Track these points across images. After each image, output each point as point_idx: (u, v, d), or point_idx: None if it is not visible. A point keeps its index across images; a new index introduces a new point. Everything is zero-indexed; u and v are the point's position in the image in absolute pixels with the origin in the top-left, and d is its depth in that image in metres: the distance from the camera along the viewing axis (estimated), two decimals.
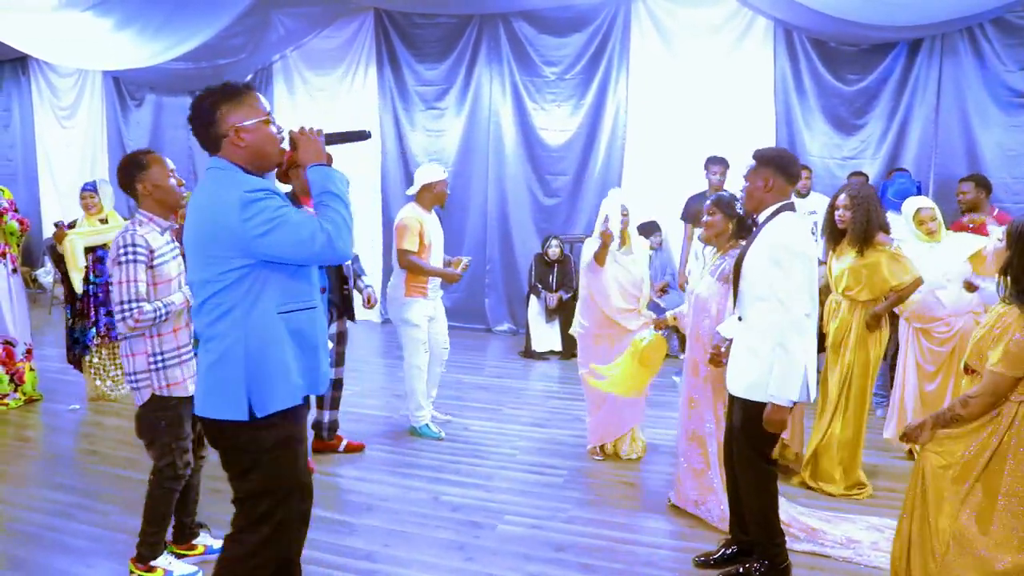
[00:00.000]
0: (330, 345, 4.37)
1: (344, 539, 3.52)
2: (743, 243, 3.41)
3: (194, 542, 3.36)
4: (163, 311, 2.93)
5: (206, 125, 2.22)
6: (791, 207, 3.00)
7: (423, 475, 4.30)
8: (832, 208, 4.11)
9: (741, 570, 3.14)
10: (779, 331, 2.82)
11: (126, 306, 2.85)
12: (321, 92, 8.84)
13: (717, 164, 6.38)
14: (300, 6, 8.13)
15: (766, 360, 2.87)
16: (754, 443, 3.01)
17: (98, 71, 9.73)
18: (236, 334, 2.18)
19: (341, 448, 4.64)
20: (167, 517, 3.14)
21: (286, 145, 2.35)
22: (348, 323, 4.54)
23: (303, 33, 8.57)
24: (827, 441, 4.07)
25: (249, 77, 9.09)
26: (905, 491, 2.67)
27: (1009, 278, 2.48)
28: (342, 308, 4.43)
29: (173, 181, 3.06)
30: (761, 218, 3.01)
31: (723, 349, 3.22)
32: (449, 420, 5.25)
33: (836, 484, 4.03)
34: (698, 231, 4.27)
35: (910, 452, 4.52)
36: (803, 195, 6.19)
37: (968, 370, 2.64)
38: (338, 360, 4.51)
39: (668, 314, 4.15)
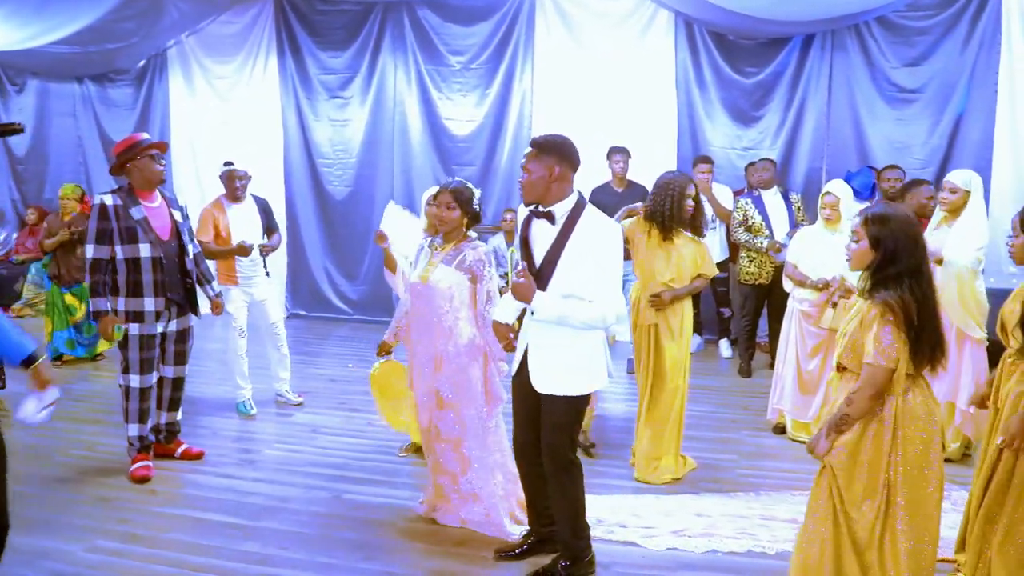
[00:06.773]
0: (173, 347, 4.22)
1: (239, 544, 3.39)
2: (472, 235, 3.45)
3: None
4: None
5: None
6: (584, 201, 2.93)
7: (326, 474, 4.19)
8: (681, 195, 4.00)
9: (545, 571, 3.11)
10: (590, 323, 2.85)
11: None
12: (221, 80, 8.48)
13: (619, 154, 6.45)
14: None
15: (576, 352, 2.92)
16: (570, 437, 3.01)
17: None
18: None
19: (178, 454, 4.34)
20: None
21: None
22: (192, 320, 4.30)
23: (199, 17, 8.17)
24: (651, 431, 4.14)
25: (142, 63, 8.65)
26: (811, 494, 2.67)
27: (869, 274, 2.52)
28: (185, 304, 4.18)
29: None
30: (557, 212, 2.89)
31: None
32: (302, 403, 5.34)
33: (668, 470, 4.11)
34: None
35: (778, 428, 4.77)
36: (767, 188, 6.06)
37: (840, 368, 2.64)
38: (177, 358, 4.26)
39: (388, 335, 4.04)
